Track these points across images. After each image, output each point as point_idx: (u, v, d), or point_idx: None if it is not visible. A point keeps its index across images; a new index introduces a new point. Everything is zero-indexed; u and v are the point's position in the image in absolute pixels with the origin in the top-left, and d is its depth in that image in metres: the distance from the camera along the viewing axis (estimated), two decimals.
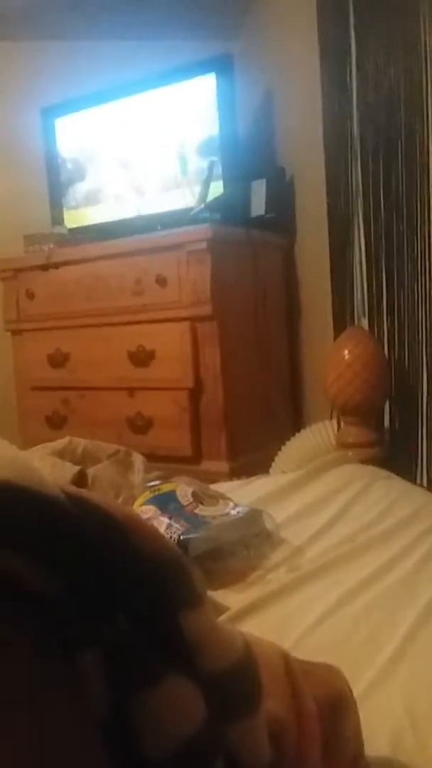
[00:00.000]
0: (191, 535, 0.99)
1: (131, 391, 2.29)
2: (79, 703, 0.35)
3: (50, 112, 2.74)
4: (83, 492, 0.38)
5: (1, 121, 2.99)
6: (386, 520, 1.11)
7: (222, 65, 2.36)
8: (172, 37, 2.88)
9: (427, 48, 1.54)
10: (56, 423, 2.48)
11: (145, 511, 1.08)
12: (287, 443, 1.95)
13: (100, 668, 0.34)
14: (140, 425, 2.26)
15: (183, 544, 0.98)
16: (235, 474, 1.90)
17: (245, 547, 1.02)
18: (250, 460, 2.09)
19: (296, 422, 2.47)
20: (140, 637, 0.36)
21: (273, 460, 2.02)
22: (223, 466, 2.09)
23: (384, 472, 1.36)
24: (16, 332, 2.62)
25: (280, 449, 2.03)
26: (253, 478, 1.44)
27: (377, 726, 0.62)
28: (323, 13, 2.03)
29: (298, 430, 2.09)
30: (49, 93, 2.78)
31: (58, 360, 2.47)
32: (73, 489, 0.37)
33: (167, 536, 1.00)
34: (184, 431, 2.16)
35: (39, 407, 2.54)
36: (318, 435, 1.86)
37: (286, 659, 0.61)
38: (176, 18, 2.82)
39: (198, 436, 2.17)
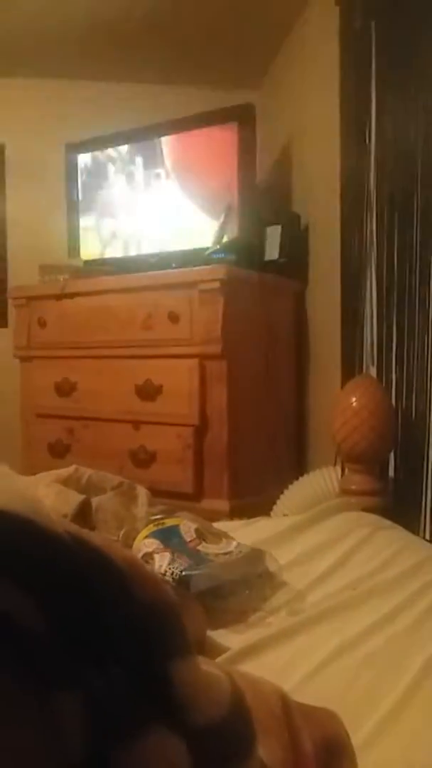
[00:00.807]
0: (193, 572, 0.99)
1: (136, 424, 2.29)
2: (43, 746, 0.33)
3: (74, 149, 2.81)
4: (85, 532, 0.38)
5: (27, 154, 3.07)
6: (389, 570, 1.10)
7: (244, 115, 2.43)
8: (197, 84, 2.97)
9: None
10: (59, 452, 2.48)
11: (147, 544, 1.07)
12: (290, 487, 1.94)
13: (78, 714, 0.33)
14: (143, 459, 2.25)
15: (185, 580, 0.98)
16: (235, 514, 1.89)
17: (247, 587, 1.01)
18: (251, 501, 2.08)
19: (299, 466, 2.47)
20: (129, 686, 0.35)
21: (274, 502, 2.02)
22: (223, 504, 2.09)
23: (387, 522, 1.36)
24: (25, 359, 2.64)
25: (281, 492, 2.02)
26: (256, 519, 1.44)
27: None
28: (346, 68, 2.09)
29: (301, 475, 2.08)
30: (75, 130, 2.86)
31: (65, 389, 2.49)
32: (76, 528, 0.37)
33: (169, 571, 0.99)
34: (187, 468, 2.16)
35: (43, 435, 2.54)
36: (321, 480, 1.86)
37: (284, 699, 0.61)
38: (202, 66, 2.92)
39: (200, 473, 2.16)
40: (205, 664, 0.44)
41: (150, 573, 0.42)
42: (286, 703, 0.60)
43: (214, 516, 1.63)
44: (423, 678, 0.79)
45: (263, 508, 1.92)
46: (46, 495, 1.12)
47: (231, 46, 2.78)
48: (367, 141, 1.96)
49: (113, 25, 2.66)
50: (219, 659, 0.85)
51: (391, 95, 1.83)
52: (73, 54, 2.88)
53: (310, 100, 2.54)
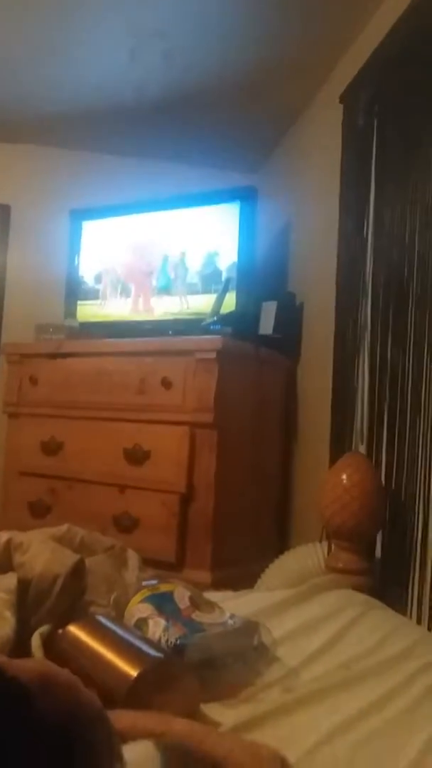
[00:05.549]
0: (189, 641, 0.97)
1: (122, 488, 2.28)
2: None
3: (78, 215, 2.90)
4: None
5: (31, 217, 3.15)
6: (382, 651, 1.09)
7: (246, 195, 2.53)
8: (202, 164, 3.10)
9: None
10: (39, 512, 2.44)
11: (141, 609, 1.06)
12: (276, 561, 1.93)
13: None
14: (126, 524, 2.23)
15: (179, 649, 0.96)
16: (216, 585, 1.86)
17: (241, 659, 1.00)
18: (232, 573, 2.06)
19: (281, 541, 2.46)
20: None
21: (255, 574, 1.99)
22: (205, 576, 2.06)
23: (377, 602, 1.35)
24: (13, 415, 2.63)
25: (263, 565, 2.00)
26: (244, 591, 1.42)
27: None
28: (347, 162, 2.21)
29: (283, 549, 2.07)
30: (79, 198, 2.96)
31: (51, 448, 2.47)
32: None
33: (164, 638, 0.98)
34: (171, 536, 2.14)
35: (24, 493, 2.50)
36: (307, 556, 1.85)
37: (283, 763, 0.61)
38: (209, 147, 3.06)
39: (183, 542, 2.14)
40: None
41: (68, 681, 0.40)
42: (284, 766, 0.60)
43: (196, 587, 1.61)
44: (422, 760, 0.78)
45: (244, 581, 1.89)
46: (41, 551, 1.10)
47: (236, 131, 2.93)
48: (365, 230, 2.06)
49: (124, 104, 2.79)
50: None
51: (389, 189, 1.93)
52: (82, 127, 3.01)
53: (310, 188, 2.66)
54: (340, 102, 2.27)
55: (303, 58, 2.40)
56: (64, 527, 1.29)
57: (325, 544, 1.85)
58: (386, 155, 1.99)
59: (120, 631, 0.96)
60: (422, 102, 1.74)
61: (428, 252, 1.69)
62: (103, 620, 1.00)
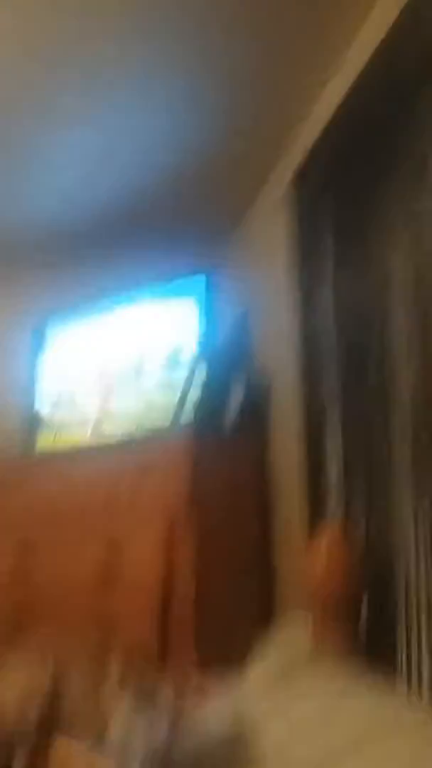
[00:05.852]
0: (173, 743, 0.95)
1: (100, 584, 2.24)
2: None
3: (38, 336, 2.98)
4: None
5: None
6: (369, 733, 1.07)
7: (204, 288, 2.63)
8: (160, 263, 3.15)
9: (396, 275, 1.73)
10: (18, 625, 2.37)
11: (123, 717, 1.03)
12: (261, 644, 1.88)
13: None
14: (106, 620, 2.18)
15: (165, 758, 0.93)
16: (201, 676, 1.81)
17: (226, 765, 0.97)
18: (218, 662, 1.99)
19: (267, 623, 2.40)
20: None
21: (241, 662, 1.93)
22: (190, 668, 2.00)
23: (367, 674, 1.33)
24: None
25: (248, 650, 1.95)
26: (230, 681, 1.39)
27: None
28: (300, 242, 2.27)
29: (269, 630, 2.02)
30: (40, 316, 3.02)
31: (23, 552, 2.43)
32: None
33: (149, 737, 0.95)
34: (152, 631, 2.09)
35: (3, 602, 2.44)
36: (293, 637, 1.81)
37: None
38: (164, 246, 3.09)
39: (166, 636, 2.10)
40: None
41: None
42: None
43: (182, 679, 1.56)
44: None
45: (232, 669, 1.84)
46: (15, 683, 1.08)
47: (187, 228, 2.97)
48: (324, 305, 2.10)
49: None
50: None
51: (345, 267, 1.99)
52: (39, 246, 3.06)
53: (267, 271, 2.71)
54: (292, 185, 2.34)
55: (248, 149, 2.48)
56: (38, 653, 1.26)
57: (310, 619, 1.82)
58: (338, 233, 2.04)
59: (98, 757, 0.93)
60: (374, 174, 1.78)
61: (386, 318, 1.73)
62: (80, 748, 0.97)
